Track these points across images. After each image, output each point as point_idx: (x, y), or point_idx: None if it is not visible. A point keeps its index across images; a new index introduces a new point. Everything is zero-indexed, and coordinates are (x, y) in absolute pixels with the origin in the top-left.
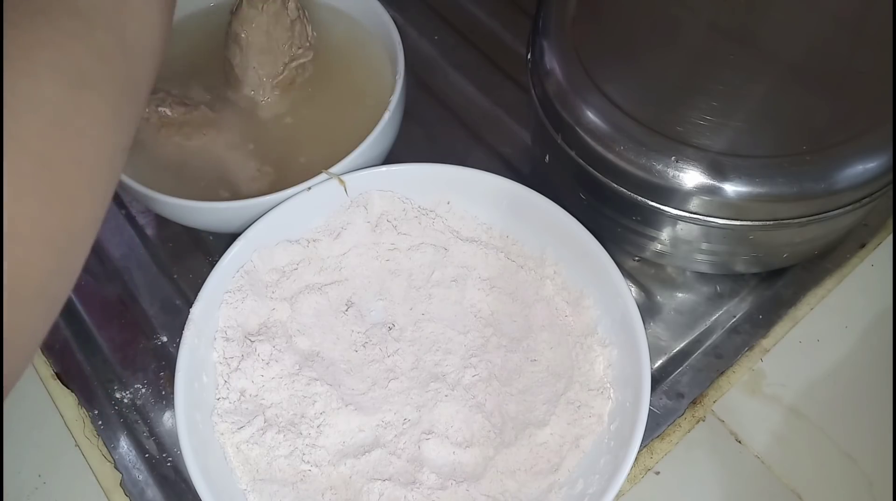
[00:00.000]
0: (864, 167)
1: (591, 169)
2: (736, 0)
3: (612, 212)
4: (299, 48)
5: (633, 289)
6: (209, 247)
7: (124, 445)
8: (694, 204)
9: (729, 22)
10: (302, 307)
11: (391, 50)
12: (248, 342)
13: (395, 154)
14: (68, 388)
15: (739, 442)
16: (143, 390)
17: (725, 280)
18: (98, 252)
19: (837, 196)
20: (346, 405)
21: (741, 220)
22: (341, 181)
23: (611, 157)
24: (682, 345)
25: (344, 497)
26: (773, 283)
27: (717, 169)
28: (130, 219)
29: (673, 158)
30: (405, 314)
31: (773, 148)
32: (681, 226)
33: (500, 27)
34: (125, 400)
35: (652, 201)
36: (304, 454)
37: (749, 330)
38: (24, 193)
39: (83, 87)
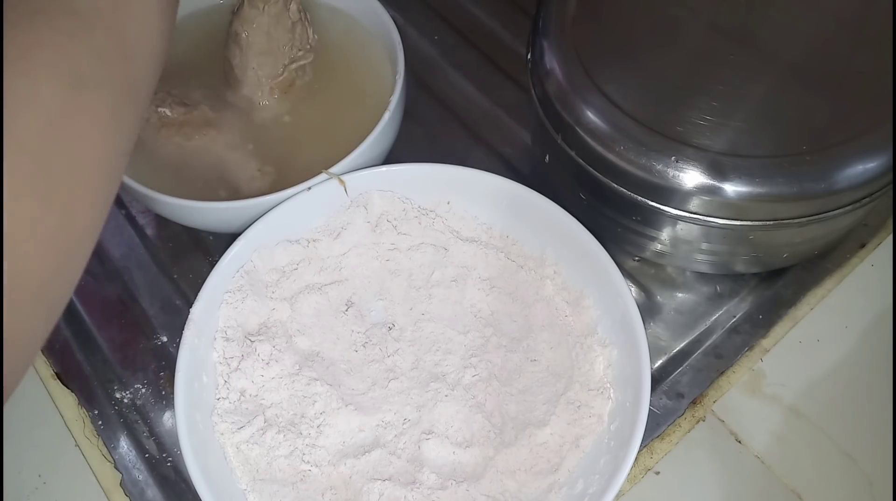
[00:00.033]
0: (864, 167)
1: (591, 169)
2: (736, 0)
3: (612, 212)
4: (300, 50)
5: (633, 289)
6: (209, 247)
7: (124, 445)
8: (694, 204)
9: (729, 22)
10: (302, 307)
11: (391, 50)
12: (248, 342)
13: (395, 154)
14: (68, 388)
15: (739, 442)
16: (143, 390)
17: (725, 280)
18: (98, 252)
19: (837, 196)
20: (346, 405)
21: (741, 220)
22: (341, 181)
23: (611, 157)
24: (682, 345)
25: (344, 497)
26: (773, 283)
27: (717, 169)
28: (130, 219)
29: (673, 158)
30: (405, 313)
31: (773, 148)
32: (681, 226)
33: (500, 27)
34: (125, 400)
35: (652, 201)
36: (304, 454)
37: (749, 330)
38: (21, 194)
39: (82, 88)
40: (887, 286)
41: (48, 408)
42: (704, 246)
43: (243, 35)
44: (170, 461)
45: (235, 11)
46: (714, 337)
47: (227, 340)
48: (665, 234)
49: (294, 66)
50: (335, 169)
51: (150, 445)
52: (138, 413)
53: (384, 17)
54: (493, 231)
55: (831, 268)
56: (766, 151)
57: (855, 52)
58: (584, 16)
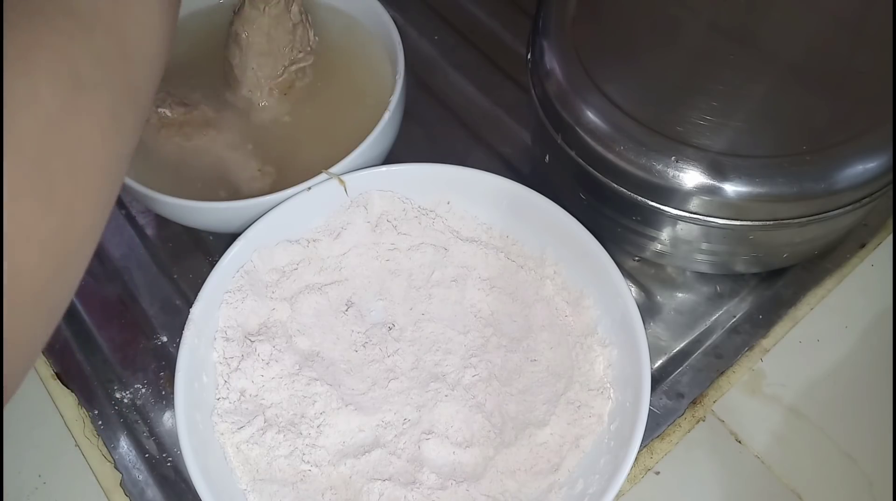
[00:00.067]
0: (864, 167)
1: (591, 169)
2: (736, 0)
3: (612, 212)
4: (300, 52)
5: (633, 289)
6: (209, 247)
7: (124, 445)
8: (694, 204)
9: (729, 22)
10: (302, 307)
11: (391, 50)
12: (248, 342)
13: (395, 154)
14: (68, 388)
15: (739, 442)
16: (143, 390)
17: (725, 280)
18: (98, 252)
19: (837, 196)
20: (346, 405)
21: (741, 220)
22: (341, 181)
23: (611, 157)
24: (682, 345)
25: (344, 497)
26: (773, 283)
27: (717, 169)
28: (130, 219)
29: (673, 158)
30: (405, 313)
31: (773, 148)
32: (681, 226)
33: (500, 27)
34: (125, 400)
35: (652, 201)
36: (304, 454)
37: (749, 330)
38: (20, 196)
39: (82, 90)
40: (887, 286)
41: (48, 408)
42: (704, 246)
43: (243, 35)
44: (170, 461)
45: (237, 11)
46: (714, 337)
47: (227, 340)
48: (665, 234)
49: (294, 67)
50: (335, 169)
51: (150, 445)
52: (138, 413)
53: (384, 17)
54: (493, 231)
55: (831, 268)
56: (766, 151)
57: (855, 52)
58: (584, 16)
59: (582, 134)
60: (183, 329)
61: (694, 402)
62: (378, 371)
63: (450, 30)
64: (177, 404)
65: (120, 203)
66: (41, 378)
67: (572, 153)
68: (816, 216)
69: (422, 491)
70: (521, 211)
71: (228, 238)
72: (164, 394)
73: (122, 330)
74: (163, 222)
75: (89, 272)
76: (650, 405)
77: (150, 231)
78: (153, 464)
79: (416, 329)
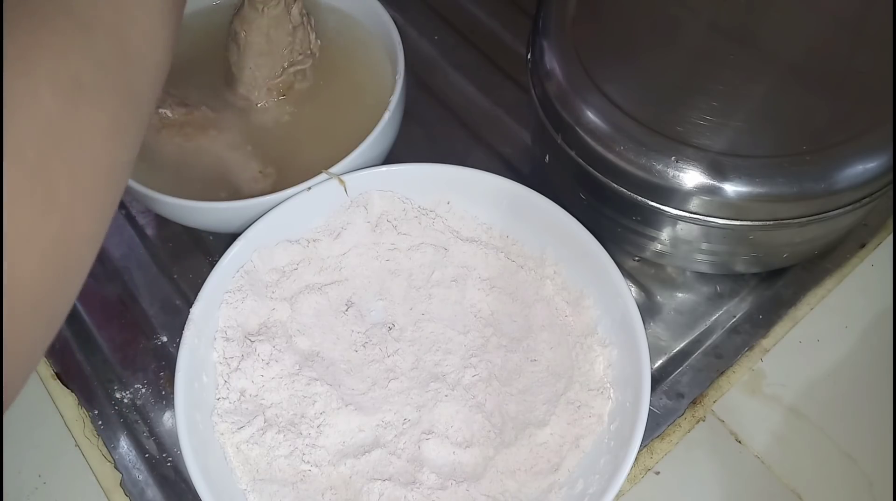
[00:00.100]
0: (864, 167)
1: (591, 169)
2: (736, 0)
3: (612, 212)
4: (300, 54)
5: (633, 289)
6: (209, 247)
7: (124, 445)
8: (694, 204)
9: (729, 22)
10: (302, 307)
11: (391, 50)
12: (248, 342)
13: (395, 154)
14: (68, 388)
15: (739, 442)
16: (143, 390)
17: (725, 280)
18: (98, 252)
19: (837, 196)
20: (346, 405)
21: (741, 220)
22: (341, 181)
23: (611, 157)
24: (682, 345)
25: (344, 497)
26: (773, 283)
27: (717, 169)
28: (130, 219)
29: (673, 158)
30: (405, 313)
31: (773, 148)
32: (681, 226)
33: (500, 27)
34: (125, 400)
35: (652, 201)
36: (304, 454)
37: (749, 330)
38: (20, 202)
39: (82, 97)
40: (887, 286)
41: (48, 408)
42: (704, 246)
43: (242, 34)
44: (170, 461)
45: (237, 11)
46: (714, 337)
47: (227, 340)
48: (665, 234)
49: (293, 69)
50: (335, 169)
51: (150, 445)
52: (138, 413)
53: (384, 17)
54: (493, 231)
55: (831, 268)
56: (766, 151)
57: (855, 52)
58: (584, 16)
59: (582, 134)
60: (183, 329)
61: (694, 402)
62: (378, 371)
63: (450, 30)
64: (177, 404)
65: (120, 203)
66: (41, 378)
67: (572, 153)
68: (816, 216)
69: (422, 491)
70: (521, 211)
71: (228, 238)
72: (164, 394)
73: (122, 330)
74: (163, 222)
75: (89, 272)
76: (650, 405)
77: (150, 231)
78: (153, 464)
79: (416, 329)
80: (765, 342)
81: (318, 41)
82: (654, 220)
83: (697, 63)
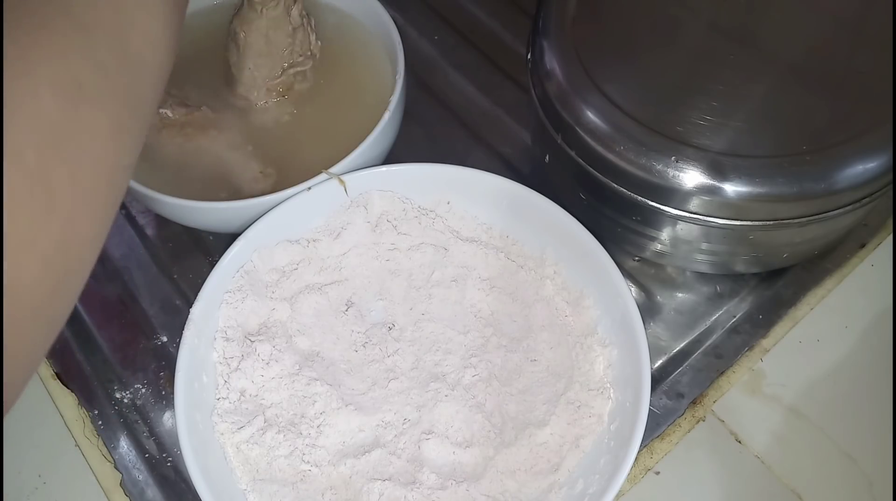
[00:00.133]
0: (864, 167)
1: (591, 169)
2: (736, 0)
3: (612, 212)
4: (300, 56)
5: (633, 289)
6: (209, 247)
7: (124, 445)
8: (694, 204)
9: (729, 22)
10: (302, 307)
11: (391, 50)
12: (248, 342)
13: (395, 154)
14: (68, 388)
15: (739, 442)
16: (143, 390)
17: (725, 280)
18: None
19: (837, 196)
20: (346, 405)
21: (741, 220)
22: (341, 181)
23: (611, 157)
24: (682, 345)
25: (344, 497)
26: (773, 283)
27: (717, 169)
28: (130, 219)
29: (673, 158)
30: (405, 313)
31: (773, 148)
32: (681, 226)
33: (500, 27)
34: (125, 400)
35: (652, 201)
36: (304, 454)
37: (749, 330)
38: (20, 207)
39: (83, 101)
40: (887, 286)
41: (48, 408)
42: (704, 246)
43: (241, 34)
44: (170, 461)
45: (237, 11)
46: (714, 337)
47: (227, 340)
48: (665, 234)
49: (292, 71)
50: (335, 169)
51: (150, 445)
52: (138, 413)
53: (384, 17)
54: (493, 231)
55: (831, 268)
56: (766, 151)
57: (855, 52)
58: (584, 16)
59: (582, 134)
60: (183, 329)
61: (694, 402)
62: (378, 371)
63: (450, 30)
64: (177, 404)
65: (120, 203)
66: (41, 378)
67: (572, 153)
68: (816, 216)
69: (422, 491)
70: (521, 211)
71: (228, 238)
72: (164, 394)
73: (122, 330)
74: (163, 222)
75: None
76: (650, 405)
77: (150, 231)
78: (153, 464)
79: (416, 329)
80: (765, 342)
81: (319, 43)
82: (654, 220)
83: (697, 63)
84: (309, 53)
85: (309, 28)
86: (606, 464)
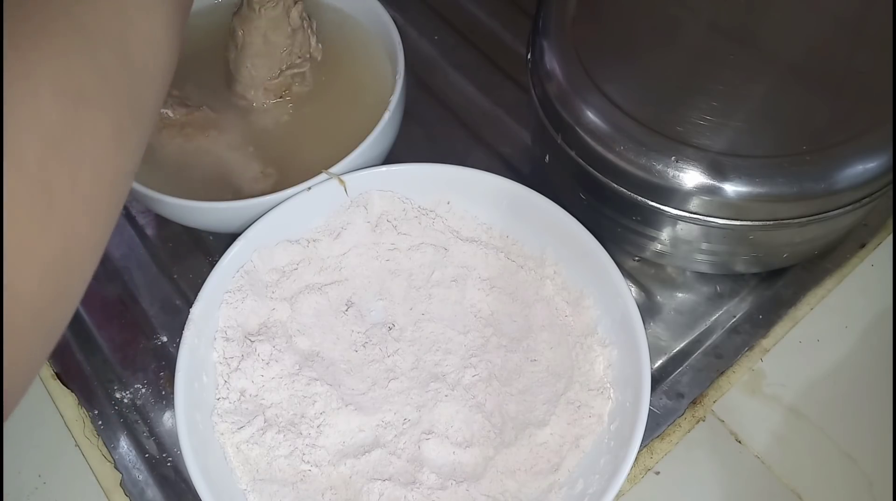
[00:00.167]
0: (864, 167)
1: (591, 169)
2: (736, 0)
3: (612, 212)
4: (298, 58)
5: (633, 289)
6: (209, 247)
7: (124, 445)
8: (694, 204)
9: (729, 22)
10: (302, 307)
11: (391, 50)
12: (248, 342)
13: (395, 154)
14: (68, 388)
15: (739, 442)
16: (143, 390)
17: (725, 280)
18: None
19: (837, 196)
20: (346, 405)
21: (741, 220)
22: (341, 181)
23: (611, 157)
24: (682, 345)
25: (344, 497)
26: (773, 283)
27: (717, 169)
28: (130, 219)
29: (673, 158)
30: (405, 313)
31: (773, 148)
32: (681, 226)
33: (500, 27)
34: (125, 400)
35: (652, 201)
36: (304, 454)
37: (749, 330)
38: (21, 214)
39: (85, 106)
40: (887, 286)
41: (48, 408)
42: (704, 246)
43: (240, 34)
44: (170, 461)
45: (236, 10)
46: (714, 337)
47: (227, 340)
48: (665, 234)
49: (291, 72)
50: (335, 169)
51: (150, 445)
52: (138, 413)
53: (384, 17)
54: (493, 231)
55: (831, 268)
56: (766, 151)
57: (855, 52)
58: (584, 16)
59: (582, 134)
60: (183, 329)
61: (694, 402)
62: (378, 371)
63: (450, 30)
64: (177, 404)
65: None
66: (41, 378)
67: (572, 153)
68: (816, 216)
69: (422, 491)
70: (521, 211)
71: (228, 238)
72: (164, 394)
73: (122, 330)
74: (163, 222)
75: None
76: (650, 405)
77: (150, 231)
78: (153, 464)
79: (416, 329)
80: (765, 342)
81: (320, 46)
82: (654, 220)
83: (697, 63)
84: (308, 56)
85: (310, 30)
86: (606, 464)
